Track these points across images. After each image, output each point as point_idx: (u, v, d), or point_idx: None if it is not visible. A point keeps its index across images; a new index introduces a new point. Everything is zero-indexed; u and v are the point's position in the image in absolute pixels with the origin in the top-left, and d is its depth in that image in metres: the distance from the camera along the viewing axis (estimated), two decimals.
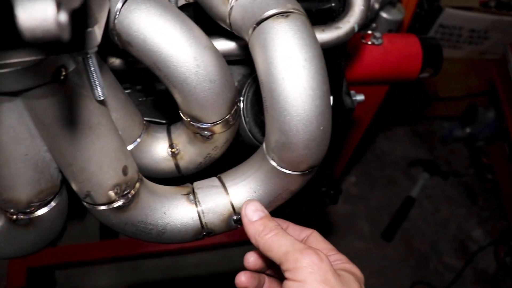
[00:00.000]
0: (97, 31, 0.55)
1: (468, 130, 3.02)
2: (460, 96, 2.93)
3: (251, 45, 0.67)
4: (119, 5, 0.66)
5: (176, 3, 0.81)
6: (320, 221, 2.64)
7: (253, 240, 0.70)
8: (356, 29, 0.85)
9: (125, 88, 0.94)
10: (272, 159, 0.71)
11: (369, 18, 1.68)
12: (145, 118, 0.94)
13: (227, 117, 0.74)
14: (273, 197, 0.77)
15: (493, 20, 2.52)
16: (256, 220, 0.71)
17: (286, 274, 0.64)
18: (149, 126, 0.83)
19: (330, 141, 0.70)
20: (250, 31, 0.67)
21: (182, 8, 0.83)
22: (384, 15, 1.67)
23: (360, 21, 0.85)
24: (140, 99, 0.99)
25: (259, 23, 0.65)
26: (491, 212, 2.88)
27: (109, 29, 0.67)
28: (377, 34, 1.25)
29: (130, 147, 0.79)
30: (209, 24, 0.77)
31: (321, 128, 0.65)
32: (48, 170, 0.68)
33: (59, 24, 0.34)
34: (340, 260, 0.75)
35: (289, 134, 0.65)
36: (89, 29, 0.54)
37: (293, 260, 0.63)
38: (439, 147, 3.14)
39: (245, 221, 0.72)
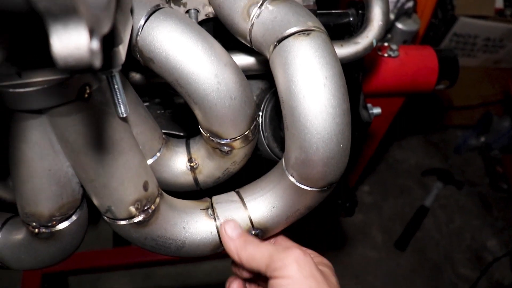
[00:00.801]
0: (122, 51, 0.56)
1: (482, 139, 3.00)
2: (474, 105, 2.91)
3: (272, 62, 0.67)
4: (142, 21, 0.67)
5: (197, 18, 0.81)
6: (333, 230, 2.63)
7: (235, 256, 0.73)
8: (374, 44, 0.85)
9: (144, 101, 0.95)
10: (291, 175, 0.71)
11: (388, 20, 1.68)
12: (164, 131, 0.95)
13: (246, 133, 0.74)
14: (291, 213, 0.77)
15: (508, 29, 2.50)
16: (236, 237, 0.73)
17: (274, 274, 0.65)
18: (168, 140, 0.84)
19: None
20: (271, 48, 0.67)
21: (202, 22, 0.83)
22: (399, 26, 1.67)
23: (379, 36, 0.86)
24: (158, 112, 0.99)
25: (280, 40, 0.66)
26: (506, 222, 2.85)
27: (131, 46, 0.68)
28: (394, 47, 1.25)
29: (150, 161, 0.80)
30: (229, 38, 0.78)
31: (341, 145, 0.66)
32: (70, 184, 0.69)
33: (91, 52, 0.34)
34: (313, 254, 0.78)
35: (309, 152, 0.65)
36: (115, 49, 0.55)
37: (278, 260, 0.65)
38: (453, 156, 3.11)
39: (225, 239, 0.74)
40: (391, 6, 1.76)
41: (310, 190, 0.72)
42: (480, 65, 2.78)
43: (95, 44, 0.35)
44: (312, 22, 0.66)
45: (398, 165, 3.01)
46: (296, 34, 0.65)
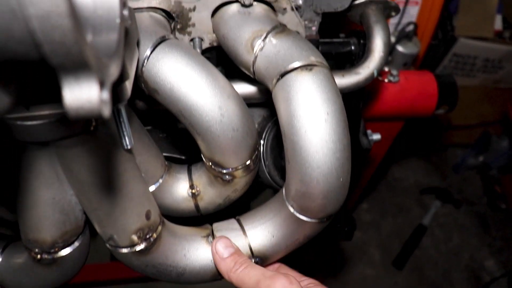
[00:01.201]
0: (128, 86, 0.57)
1: (481, 158, 3.01)
2: (473, 124, 2.93)
3: (274, 95, 0.68)
4: (148, 53, 0.68)
5: (201, 46, 0.83)
6: (331, 248, 2.63)
7: (226, 276, 0.74)
8: (375, 75, 0.87)
9: (147, 125, 0.96)
10: (292, 206, 0.72)
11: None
12: (165, 154, 0.96)
13: (248, 162, 0.75)
14: (291, 242, 0.78)
15: (507, 51, 2.53)
16: (227, 257, 0.74)
17: None
18: (170, 167, 0.85)
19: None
20: (274, 81, 0.68)
21: (207, 50, 0.85)
22: (400, 48, 1.69)
23: (380, 67, 0.87)
24: (160, 135, 1.00)
25: (283, 75, 0.67)
26: (504, 242, 2.85)
27: (136, 76, 0.69)
28: (394, 72, 1.27)
29: (152, 188, 0.81)
30: (233, 66, 0.79)
31: (341, 179, 0.67)
32: (74, 212, 0.70)
33: (102, 103, 0.35)
34: (313, 283, 0.78)
35: (310, 185, 0.66)
36: (121, 85, 0.56)
37: (264, 287, 0.66)
38: (452, 175, 3.12)
39: (216, 258, 0.75)
40: (391, 28, 1.79)
41: (309, 221, 0.73)
42: (479, 84, 2.80)
43: (105, 95, 0.36)
44: (314, 57, 0.68)
45: (397, 184, 3.02)
46: (299, 69, 0.66)
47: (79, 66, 0.33)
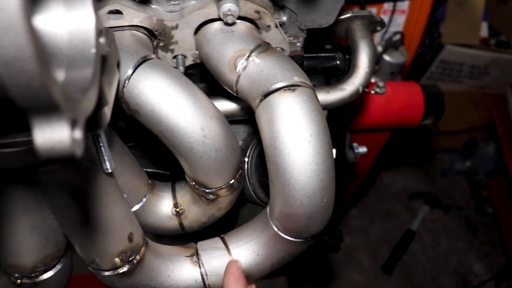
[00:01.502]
0: (107, 111, 0.56)
1: (468, 163, 3.03)
2: (460, 130, 2.94)
3: (258, 116, 0.68)
4: (129, 72, 0.67)
5: (184, 64, 0.82)
6: (320, 254, 2.63)
7: None
8: (360, 90, 0.86)
9: (129, 141, 0.94)
10: (276, 226, 0.72)
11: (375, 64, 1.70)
12: (150, 170, 0.95)
13: (231, 182, 0.75)
14: (276, 260, 0.77)
15: (493, 57, 2.55)
16: None
17: None
18: (154, 185, 0.84)
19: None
20: (257, 101, 0.68)
21: (190, 67, 0.84)
22: (387, 58, 1.69)
23: (365, 83, 0.87)
24: (144, 151, 0.99)
25: (266, 95, 0.66)
26: (491, 246, 2.87)
27: (117, 97, 0.68)
28: (380, 84, 1.27)
29: (135, 208, 0.80)
30: (216, 83, 0.78)
31: (325, 200, 0.66)
32: (55, 236, 0.69)
33: (73, 143, 0.34)
34: None
35: (294, 207, 0.66)
36: (100, 111, 0.55)
37: None
38: (440, 180, 3.14)
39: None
40: (378, 38, 1.79)
41: (294, 241, 0.72)
42: (466, 90, 2.82)
43: (78, 134, 0.35)
44: (298, 77, 0.67)
45: (386, 189, 3.03)
46: (282, 90, 0.65)
47: (49, 108, 0.32)
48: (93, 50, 0.43)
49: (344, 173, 1.03)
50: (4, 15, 0.27)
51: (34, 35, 0.28)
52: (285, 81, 0.66)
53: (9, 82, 0.29)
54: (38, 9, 0.39)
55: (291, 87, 0.66)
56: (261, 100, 0.67)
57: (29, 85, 0.30)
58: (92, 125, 0.55)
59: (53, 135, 0.33)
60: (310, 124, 0.64)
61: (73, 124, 0.35)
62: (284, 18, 0.83)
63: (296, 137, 0.63)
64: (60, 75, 0.38)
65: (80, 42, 0.42)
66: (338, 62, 0.96)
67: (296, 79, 0.67)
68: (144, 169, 0.89)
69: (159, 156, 0.99)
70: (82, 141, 0.36)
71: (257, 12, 0.76)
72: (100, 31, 0.46)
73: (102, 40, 0.46)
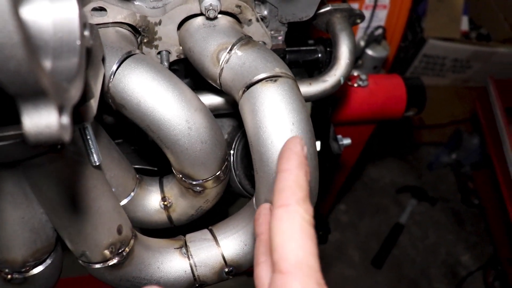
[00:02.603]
0: (94, 104, 0.57)
1: (454, 156, 3.07)
2: (445, 123, 2.98)
3: (241, 107, 0.69)
4: (114, 68, 0.69)
5: (168, 59, 0.83)
6: None
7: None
8: (342, 82, 0.88)
9: (117, 138, 0.96)
10: None
11: (355, 56, 1.73)
12: (137, 166, 0.96)
13: (218, 173, 0.76)
14: None
15: (474, 50, 2.59)
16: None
17: None
18: (142, 180, 0.85)
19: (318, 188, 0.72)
20: (240, 93, 0.69)
21: (174, 63, 0.85)
22: (369, 52, 1.72)
23: (346, 74, 0.89)
24: (132, 148, 1.00)
25: (248, 86, 0.68)
26: (478, 237, 2.92)
27: (103, 92, 0.69)
28: (363, 76, 1.29)
29: (124, 202, 0.81)
30: (200, 78, 0.80)
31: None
32: (44, 230, 0.70)
33: (61, 128, 0.36)
34: None
35: None
36: (86, 103, 0.56)
37: None
38: (427, 173, 3.18)
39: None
40: (361, 33, 1.82)
41: None
42: (449, 84, 2.86)
43: (65, 120, 0.37)
44: (279, 68, 0.69)
45: (373, 184, 3.06)
46: (264, 81, 0.67)
47: (37, 94, 0.33)
48: (78, 42, 0.44)
49: (329, 165, 1.06)
50: None
51: (21, 22, 0.30)
52: (267, 72, 0.68)
53: None
54: (23, 2, 0.41)
55: (272, 78, 0.67)
56: (244, 92, 0.68)
57: (17, 70, 0.31)
58: (78, 117, 0.56)
59: (41, 120, 0.35)
60: (292, 113, 0.65)
61: (60, 110, 0.36)
62: (265, 12, 0.85)
63: (279, 126, 0.65)
64: (46, 64, 0.39)
65: (65, 34, 0.44)
66: (319, 55, 0.98)
67: (278, 70, 0.68)
68: (133, 166, 0.90)
69: (146, 152, 1.01)
70: (70, 127, 0.37)
71: (238, 6, 0.78)
72: (85, 24, 0.47)
73: (86, 32, 0.48)
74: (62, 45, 0.43)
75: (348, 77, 0.90)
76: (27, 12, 0.40)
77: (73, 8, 0.41)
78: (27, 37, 0.31)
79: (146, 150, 1.01)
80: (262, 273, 0.53)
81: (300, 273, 0.45)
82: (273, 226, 0.48)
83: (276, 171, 0.53)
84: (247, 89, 0.68)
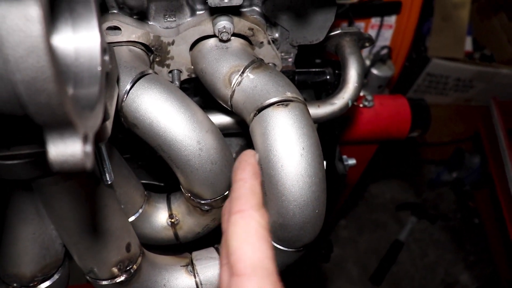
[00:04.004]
0: (109, 125, 0.58)
1: (455, 174, 3.07)
2: (447, 141, 2.99)
3: (252, 130, 0.70)
4: (128, 87, 0.70)
5: (179, 78, 0.84)
6: (309, 265, 2.65)
7: None
8: (350, 105, 0.89)
9: (126, 153, 0.96)
10: None
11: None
12: (145, 181, 0.97)
13: (226, 193, 0.77)
14: None
15: (477, 71, 2.61)
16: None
17: None
18: (150, 196, 0.86)
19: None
20: (251, 116, 0.70)
21: (185, 81, 0.86)
22: (374, 71, 1.74)
23: (354, 97, 0.90)
24: (140, 163, 1.01)
25: (260, 110, 0.69)
26: (478, 256, 2.91)
27: (116, 111, 0.70)
28: (369, 97, 1.30)
29: (132, 218, 0.82)
30: (211, 97, 0.81)
31: (317, 211, 0.69)
32: (54, 246, 0.70)
33: (85, 157, 0.37)
34: None
35: (286, 217, 0.68)
36: (102, 124, 0.57)
37: None
38: (427, 190, 3.18)
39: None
40: (366, 52, 1.84)
41: (287, 250, 0.74)
42: (452, 102, 2.88)
43: (89, 148, 0.37)
44: (290, 93, 0.70)
45: (374, 200, 3.06)
46: (275, 105, 0.68)
47: (64, 124, 0.34)
48: (99, 68, 0.45)
49: (334, 185, 1.06)
50: (28, 40, 0.29)
51: (54, 57, 0.31)
52: (278, 96, 0.69)
53: (28, 101, 0.32)
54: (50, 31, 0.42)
55: (284, 102, 0.68)
56: (255, 115, 0.69)
57: (47, 103, 0.32)
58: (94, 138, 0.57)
59: (67, 149, 0.36)
60: (302, 138, 0.66)
61: (85, 139, 0.37)
62: (277, 35, 0.87)
63: (289, 150, 0.66)
64: (69, 90, 0.40)
65: (86, 60, 0.45)
66: (328, 77, 0.99)
67: (289, 94, 0.69)
68: (140, 181, 0.91)
69: (155, 168, 1.02)
70: (92, 155, 0.38)
71: (251, 29, 0.79)
72: (105, 49, 0.48)
73: (106, 57, 0.49)
74: (83, 71, 0.44)
75: (356, 100, 0.91)
76: (52, 40, 0.41)
77: (96, 37, 0.42)
78: (59, 71, 0.32)
79: (154, 165, 1.02)
80: (224, 276, 0.54)
81: (255, 275, 0.46)
82: (229, 230, 0.50)
83: (232, 182, 0.55)
84: (259, 112, 0.69)
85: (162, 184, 1.01)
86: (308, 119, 0.69)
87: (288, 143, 0.66)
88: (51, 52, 0.31)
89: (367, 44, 0.99)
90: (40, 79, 0.31)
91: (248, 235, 0.49)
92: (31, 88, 0.31)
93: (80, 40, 0.44)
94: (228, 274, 0.52)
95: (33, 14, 0.28)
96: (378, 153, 1.68)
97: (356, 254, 2.81)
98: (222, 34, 0.75)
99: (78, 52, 0.45)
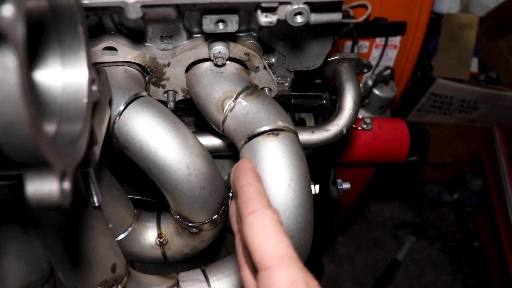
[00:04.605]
0: (97, 151, 0.59)
1: (456, 195, 3.06)
2: (449, 162, 2.98)
3: (242, 156, 0.71)
4: (121, 108, 0.70)
5: (174, 99, 0.85)
6: None
7: None
8: (344, 132, 0.90)
9: (119, 166, 0.97)
10: None
11: (363, 95, 1.75)
12: (137, 197, 0.97)
13: (214, 217, 0.77)
14: None
15: (482, 93, 2.60)
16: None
17: None
18: (140, 215, 0.86)
19: (314, 231, 0.72)
20: (241, 143, 0.71)
21: (180, 102, 0.87)
22: (376, 92, 1.74)
23: (349, 125, 0.90)
24: (134, 176, 1.01)
25: (250, 138, 0.69)
26: (476, 279, 2.89)
27: (108, 132, 0.71)
28: (367, 120, 1.30)
29: (120, 237, 0.82)
30: (203, 119, 0.81)
31: (302, 241, 0.69)
32: (40, 263, 0.71)
33: (62, 195, 0.37)
34: None
35: None
36: (90, 150, 0.57)
37: None
38: (427, 210, 3.17)
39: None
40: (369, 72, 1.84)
41: None
42: (456, 123, 2.87)
43: (67, 185, 0.38)
44: (282, 122, 0.70)
45: (373, 217, 3.06)
46: (266, 134, 0.69)
47: (40, 165, 0.35)
48: (85, 100, 0.46)
49: (326, 209, 1.06)
50: (5, 88, 0.29)
51: (30, 105, 0.31)
52: (269, 125, 0.69)
53: (5, 143, 0.32)
54: (37, 65, 0.42)
55: (274, 131, 0.69)
56: (245, 142, 0.70)
57: (23, 146, 0.32)
58: (82, 162, 0.58)
59: (43, 187, 0.36)
60: (291, 169, 0.67)
61: (62, 177, 0.37)
62: (273, 60, 0.87)
63: (277, 181, 0.66)
64: (51, 127, 0.41)
65: (73, 92, 0.45)
66: (324, 102, 0.99)
67: (280, 124, 0.70)
68: (131, 196, 0.91)
69: (148, 183, 1.02)
70: (71, 192, 0.39)
71: (247, 54, 0.79)
72: (93, 79, 0.49)
73: (94, 87, 0.49)
74: (69, 103, 0.45)
75: (350, 127, 0.91)
76: (39, 75, 0.42)
77: (84, 73, 0.43)
78: (36, 116, 0.32)
79: (147, 180, 1.02)
80: (246, 276, 0.56)
81: (283, 264, 0.47)
82: (246, 233, 0.51)
83: (236, 190, 0.57)
84: (249, 140, 0.69)
85: (154, 201, 1.01)
86: (298, 149, 0.69)
87: (276, 174, 0.66)
88: (28, 99, 0.31)
89: (365, 70, 0.99)
90: (16, 125, 0.31)
91: (267, 231, 0.50)
92: (7, 132, 0.31)
93: (68, 74, 0.45)
94: (250, 273, 0.55)
95: (10, 64, 0.29)
96: (379, 171, 1.68)
97: (353, 271, 2.80)
98: (217, 59, 0.76)
99: (65, 85, 0.45)
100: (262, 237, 0.49)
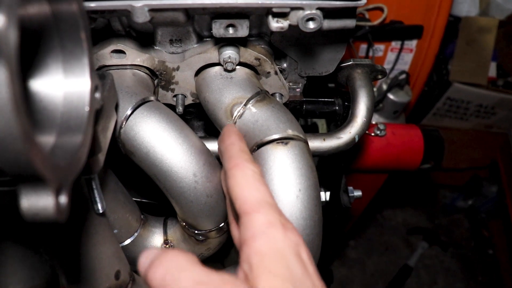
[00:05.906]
0: (101, 157, 0.57)
1: (470, 202, 3.01)
2: (463, 168, 2.93)
3: None
4: (128, 113, 0.69)
5: (183, 103, 0.83)
6: None
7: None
8: (356, 140, 0.87)
9: (126, 168, 0.96)
10: None
11: (377, 99, 1.72)
12: (143, 200, 0.96)
13: (221, 225, 0.76)
14: None
15: (500, 98, 2.55)
16: None
17: None
18: (146, 220, 0.85)
19: (324, 239, 0.71)
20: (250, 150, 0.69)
21: (189, 106, 0.86)
22: (391, 97, 1.71)
23: (361, 132, 0.88)
24: (136, 180, 1.00)
25: (259, 146, 0.68)
26: None
27: (114, 136, 0.70)
28: (381, 126, 1.28)
29: (126, 242, 0.81)
30: (213, 124, 0.80)
31: None
32: (43, 268, 0.70)
33: (57, 210, 0.36)
34: None
35: None
36: (94, 157, 0.56)
37: None
38: (440, 216, 3.12)
39: None
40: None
41: None
42: (472, 128, 2.82)
43: (63, 199, 0.37)
44: (292, 130, 0.69)
45: (385, 222, 3.02)
46: (275, 142, 0.67)
47: (35, 179, 0.33)
48: (87, 108, 0.45)
49: (337, 216, 1.04)
50: None
51: (23, 119, 0.30)
52: (279, 134, 0.67)
53: None
54: (38, 72, 0.41)
55: (284, 140, 0.67)
56: (254, 150, 0.68)
57: (16, 161, 0.31)
58: (85, 169, 0.57)
59: (39, 202, 0.35)
60: (300, 179, 0.65)
61: (58, 191, 0.36)
62: (285, 65, 0.85)
63: (285, 191, 0.64)
64: (49, 139, 0.39)
65: (75, 100, 0.44)
66: (336, 108, 0.97)
67: (290, 132, 0.68)
68: (138, 199, 0.90)
69: (154, 187, 1.01)
70: (67, 206, 0.37)
71: (258, 59, 0.78)
72: (96, 86, 0.48)
73: (97, 94, 0.48)
74: (70, 111, 0.44)
75: (362, 135, 0.89)
76: (40, 84, 0.40)
77: (86, 83, 0.41)
78: (29, 131, 0.31)
79: (149, 182, 1.01)
80: (234, 231, 0.61)
81: (262, 208, 0.51)
82: (229, 183, 0.55)
83: (221, 150, 0.62)
84: (258, 148, 0.68)
85: (162, 205, 1.00)
86: (308, 159, 0.67)
87: (284, 184, 0.64)
88: (20, 113, 0.30)
89: (379, 77, 0.97)
90: (8, 139, 0.30)
91: (247, 180, 0.54)
92: (0, 146, 0.30)
93: (70, 81, 0.43)
94: (236, 228, 0.59)
95: (0, 77, 0.27)
96: (392, 176, 1.65)
97: (363, 276, 2.77)
98: (227, 64, 0.74)
99: (67, 92, 0.44)
100: (243, 186, 0.53)
